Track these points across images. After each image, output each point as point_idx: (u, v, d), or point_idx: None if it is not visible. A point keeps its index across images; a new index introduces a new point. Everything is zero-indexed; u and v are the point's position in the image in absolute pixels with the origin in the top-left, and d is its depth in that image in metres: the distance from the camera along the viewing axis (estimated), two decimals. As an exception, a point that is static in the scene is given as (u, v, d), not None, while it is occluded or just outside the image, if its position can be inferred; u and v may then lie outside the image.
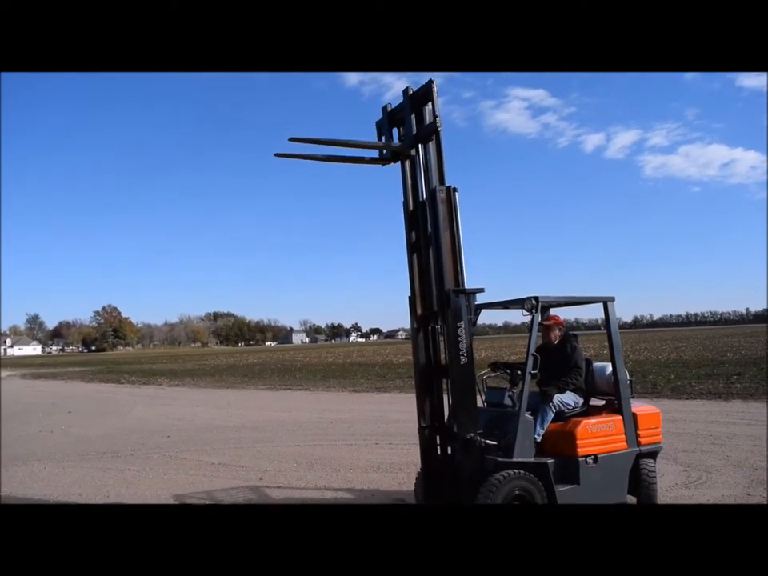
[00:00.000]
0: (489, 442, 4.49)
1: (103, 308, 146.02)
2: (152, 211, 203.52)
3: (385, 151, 4.99)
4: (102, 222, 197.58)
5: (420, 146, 4.88)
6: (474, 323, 4.91)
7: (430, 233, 4.77)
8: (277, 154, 4.66)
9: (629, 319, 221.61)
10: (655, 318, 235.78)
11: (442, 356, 4.86)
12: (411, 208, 4.92)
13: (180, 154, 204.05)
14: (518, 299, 4.90)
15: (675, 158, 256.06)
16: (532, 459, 4.60)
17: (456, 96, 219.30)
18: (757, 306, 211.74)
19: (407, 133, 4.89)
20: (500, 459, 4.48)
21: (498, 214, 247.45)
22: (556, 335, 5.30)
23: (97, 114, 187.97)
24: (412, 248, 4.89)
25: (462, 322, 4.50)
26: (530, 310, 4.77)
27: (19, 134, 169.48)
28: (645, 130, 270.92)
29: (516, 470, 4.42)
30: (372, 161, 5.03)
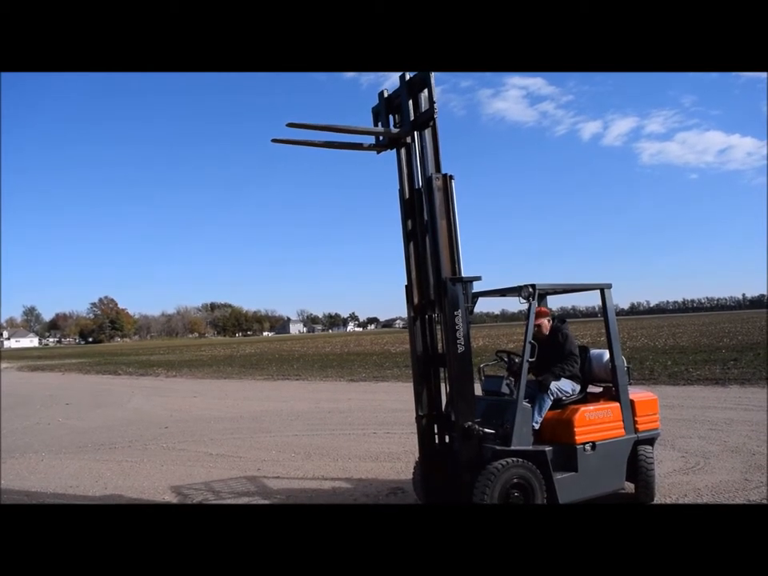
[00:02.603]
0: (487, 430, 4.48)
1: (100, 299, 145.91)
2: (148, 203, 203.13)
3: (381, 137, 4.93)
4: (99, 214, 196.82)
5: (416, 132, 4.82)
6: (471, 311, 4.88)
7: (426, 221, 4.72)
8: (274, 140, 4.62)
9: (626, 306, 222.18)
10: (652, 304, 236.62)
11: (440, 345, 4.84)
12: (407, 196, 4.87)
13: (176, 146, 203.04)
14: (515, 287, 4.88)
15: (672, 145, 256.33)
16: (530, 447, 4.59)
17: (454, 85, 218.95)
18: (753, 292, 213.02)
19: (404, 119, 4.83)
20: (498, 447, 4.48)
21: (495, 202, 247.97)
22: (545, 326, 5.27)
23: (93, 106, 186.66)
24: (408, 236, 4.85)
25: (459, 310, 4.47)
26: (527, 298, 4.75)
27: (17, 127, 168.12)
28: (642, 117, 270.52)
29: (514, 458, 4.41)
30: (369, 147, 4.98)
